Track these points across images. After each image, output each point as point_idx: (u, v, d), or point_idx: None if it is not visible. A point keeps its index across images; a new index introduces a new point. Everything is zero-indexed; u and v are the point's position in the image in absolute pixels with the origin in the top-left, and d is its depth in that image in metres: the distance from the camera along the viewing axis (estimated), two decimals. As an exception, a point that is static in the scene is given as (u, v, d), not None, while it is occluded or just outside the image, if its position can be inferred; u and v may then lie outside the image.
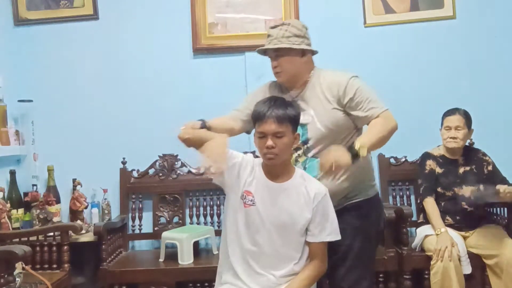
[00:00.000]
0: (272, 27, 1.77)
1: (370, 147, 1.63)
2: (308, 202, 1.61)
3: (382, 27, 2.92)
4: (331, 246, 1.68)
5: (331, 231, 1.63)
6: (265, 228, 1.58)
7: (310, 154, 1.75)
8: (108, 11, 2.93)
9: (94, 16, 2.92)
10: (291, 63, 1.75)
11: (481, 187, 2.39)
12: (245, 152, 1.90)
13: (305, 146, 1.75)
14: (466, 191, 2.46)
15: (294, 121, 1.61)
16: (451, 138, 2.48)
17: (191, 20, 2.90)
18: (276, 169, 1.63)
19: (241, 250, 1.61)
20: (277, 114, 1.56)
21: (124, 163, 2.86)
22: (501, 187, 2.26)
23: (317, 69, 1.83)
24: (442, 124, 2.55)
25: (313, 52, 1.83)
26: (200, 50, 2.90)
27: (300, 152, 1.76)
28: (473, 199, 2.38)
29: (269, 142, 1.56)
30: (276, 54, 1.76)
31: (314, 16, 2.90)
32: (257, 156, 1.72)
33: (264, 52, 1.82)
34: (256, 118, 1.61)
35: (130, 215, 2.85)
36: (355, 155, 1.57)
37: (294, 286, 1.58)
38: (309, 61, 1.81)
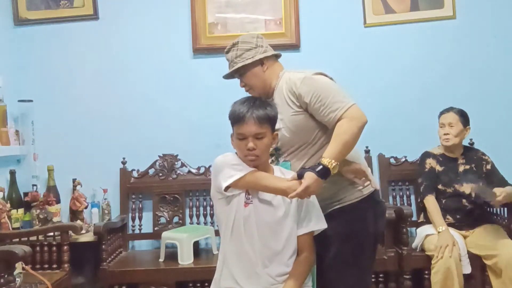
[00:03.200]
0: (226, 52, 1.80)
1: (340, 160, 1.56)
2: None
3: (382, 27, 2.92)
4: (321, 251, 1.65)
5: (318, 220, 1.61)
6: (260, 227, 1.57)
7: (281, 159, 1.73)
8: (108, 11, 2.93)
9: (94, 16, 2.92)
10: (255, 76, 1.76)
11: (481, 184, 2.37)
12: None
13: (277, 152, 1.74)
14: (467, 188, 2.47)
15: (273, 121, 1.60)
16: (444, 135, 2.51)
17: (191, 20, 2.90)
18: (257, 169, 1.59)
19: (240, 251, 1.58)
20: (258, 115, 1.54)
21: (124, 163, 2.86)
22: (497, 190, 2.27)
23: (285, 72, 1.77)
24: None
25: (277, 56, 1.82)
26: (200, 50, 2.90)
27: (273, 158, 1.74)
28: (474, 195, 2.35)
29: (250, 144, 1.53)
30: (238, 75, 1.79)
31: (314, 16, 2.91)
32: None
33: (232, 76, 1.83)
34: (235, 119, 1.56)
35: (130, 215, 2.85)
36: (328, 175, 1.53)
37: (291, 285, 1.57)
38: (272, 66, 1.78)
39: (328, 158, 1.53)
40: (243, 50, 1.75)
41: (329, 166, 1.52)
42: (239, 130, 1.56)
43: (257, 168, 1.59)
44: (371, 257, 1.76)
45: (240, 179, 1.54)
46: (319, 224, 1.62)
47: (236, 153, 1.63)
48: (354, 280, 1.68)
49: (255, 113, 1.54)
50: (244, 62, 1.74)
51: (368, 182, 1.67)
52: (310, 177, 1.49)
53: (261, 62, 1.76)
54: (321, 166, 1.52)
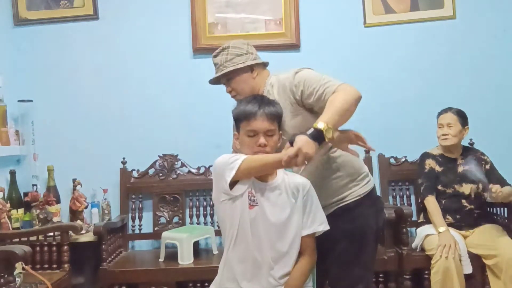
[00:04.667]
0: (215, 56, 1.79)
1: (334, 125, 1.49)
2: (296, 195, 1.59)
3: (382, 27, 2.92)
4: (324, 250, 1.66)
5: (322, 221, 1.61)
6: (267, 228, 1.56)
7: None
8: (108, 11, 2.93)
9: (94, 16, 2.92)
10: (244, 82, 1.75)
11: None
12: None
13: None
14: (466, 188, 2.47)
15: (280, 119, 1.61)
16: (443, 135, 2.51)
17: (191, 20, 2.90)
18: None
19: (245, 253, 1.57)
20: (269, 111, 1.55)
21: (124, 163, 2.86)
22: (493, 187, 2.27)
23: (271, 76, 1.78)
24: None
25: (264, 64, 1.81)
26: (200, 50, 2.90)
27: None
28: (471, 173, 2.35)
29: (262, 140, 1.53)
30: (226, 79, 1.77)
31: (314, 16, 2.91)
32: None
33: (218, 81, 1.82)
34: (245, 116, 1.55)
35: (130, 215, 2.85)
36: (321, 139, 1.46)
37: (292, 285, 1.57)
38: (261, 73, 1.78)
39: (321, 122, 1.47)
40: (234, 55, 1.74)
41: (321, 128, 1.45)
42: (250, 126, 1.55)
43: None
44: (373, 254, 1.77)
45: (240, 166, 1.50)
46: (322, 225, 1.61)
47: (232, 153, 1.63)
48: (356, 278, 1.68)
49: (266, 109, 1.55)
50: (235, 66, 1.72)
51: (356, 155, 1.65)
52: (301, 139, 1.43)
53: (251, 68, 1.75)
54: (312, 129, 1.47)
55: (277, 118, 1.58)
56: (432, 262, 2.25)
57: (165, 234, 2.54)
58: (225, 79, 1.78)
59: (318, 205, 1.63)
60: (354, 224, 1.68)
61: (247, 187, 1.56)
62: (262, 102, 1.57)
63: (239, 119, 1.59)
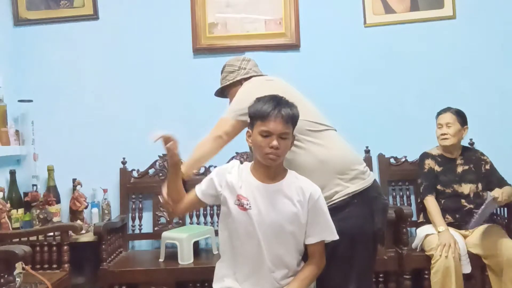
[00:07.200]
0: (221, 73, 1.99)
1: (187, 165, 1.82)
2: (303, 201, 1.56)
3: (382, 27, 2.92)
4: None
5: (332, 232, 1.57)
6: (262, 231, 1.54)
7: None
8: (108, 11, 2.93)
9: (94, 16, 2.92)
10: (235, 95, 1.85)
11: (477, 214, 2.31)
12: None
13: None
14: (466, 188, 2.48)
15: (295, 123, 1.57)
16: (442, 135, 2.52)
17: (191, 20, 2.90)
18: (270, 171, 1.57)
19: (240, 255, 1.58)
20: (287, 113, 1.51)
21: (124, 163, 2.86)
22: (496, 193, 2.27)
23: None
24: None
25: (259, 76, 1.92)
26: (200, 50, 2.90)
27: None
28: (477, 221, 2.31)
29: (275, 143, 1.50)
30: (224, 95, 2.00)
31: (314, 16, 2.91)
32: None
33: (222, 95, 2.03)
34: (260, 115, 1.52)
35: (130, 215, 2.85)
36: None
37: (295, 286, 1.56)
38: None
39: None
40: (227, 73, 1.93)
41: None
42: (264, 126, 1.52)
43: (271, 170, 1.57)
44: (368, 258, 1.71)
45: None
46: (332, 235, 1.58)
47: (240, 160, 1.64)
48: (349, 280, 1.64)
49: (283, 111, 1.51)
50: (226, 83, 1.92)
51: None
52: None
53: (240, 82, 1.88)
54: None
55: (292, 121, 1.54)
56: (432, 262, 2.25)
57: (165, 234, 2.54)
58: (223, 94, 2.00)
59: (326, 213, 1.58)
60: (342, 225, 1.60)
61: (233, 191, 1.58)
62: (280, 103, 1.53)
63: (255, 117, 1.56)
